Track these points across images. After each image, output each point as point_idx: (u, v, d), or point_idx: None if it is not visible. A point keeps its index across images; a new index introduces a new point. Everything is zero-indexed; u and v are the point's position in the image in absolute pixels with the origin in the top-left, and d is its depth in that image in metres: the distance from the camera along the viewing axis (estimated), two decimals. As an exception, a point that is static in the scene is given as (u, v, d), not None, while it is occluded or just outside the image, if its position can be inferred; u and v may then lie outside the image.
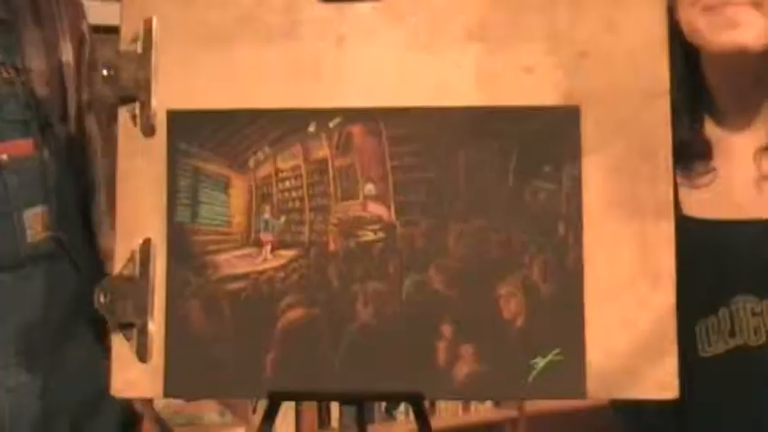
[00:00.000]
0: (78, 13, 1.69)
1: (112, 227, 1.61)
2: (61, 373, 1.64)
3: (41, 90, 1.60)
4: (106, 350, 1.37)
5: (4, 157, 1.56)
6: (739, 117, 1.62)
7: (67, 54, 1.64)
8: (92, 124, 1.74)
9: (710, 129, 1.63)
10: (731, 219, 1.61)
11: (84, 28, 1.71)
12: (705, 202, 1.62)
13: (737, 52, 1.51)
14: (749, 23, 1.49)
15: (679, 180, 1.59)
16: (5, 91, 1.55)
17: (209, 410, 2.67)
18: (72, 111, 1.66)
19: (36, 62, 1.59)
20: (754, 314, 1.58)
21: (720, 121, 1.63)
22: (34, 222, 1.60)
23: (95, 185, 1.75)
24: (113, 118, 1.45)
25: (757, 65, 1.55)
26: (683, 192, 1.60)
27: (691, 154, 1.61)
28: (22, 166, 1.58)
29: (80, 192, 1.74)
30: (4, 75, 1.54)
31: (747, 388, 1.60)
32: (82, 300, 1.64)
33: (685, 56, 1.57)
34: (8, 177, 1.57)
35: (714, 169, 1.62)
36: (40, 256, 1.63)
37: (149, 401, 1.93)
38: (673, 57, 1.37)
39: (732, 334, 1.60)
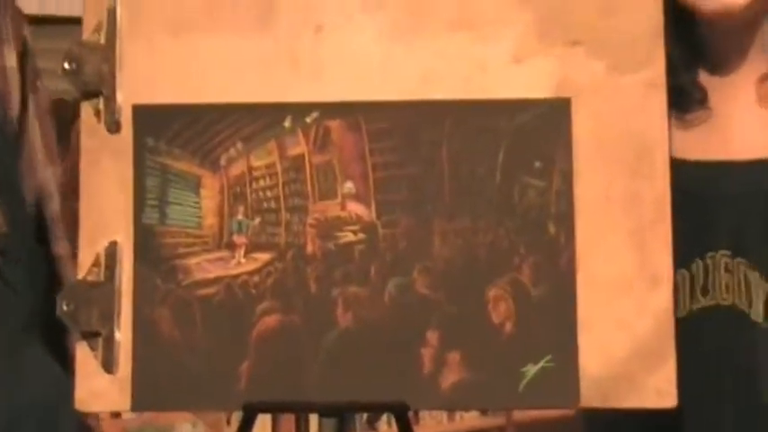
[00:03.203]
0: (20, 22, 1.71)
1: (64, 235, 1.61)
2: (17, 381, 1.64)
3: None
4: (66, 360, 1.37)
5: None
6: (735, 62, 1.66)
7: (11, 60, 1.67)
8: (35, 131, 1.76)
9: (706, 78, 1.68)
10: (719, 160, 1.64)
11: (27, 35, 1.74)
12: (698, 143, 1.66)
13: (726, 13, 1.58)
14: None
15: (673, 123, 1.62)
16: None
17: (181, 421, 2.69)
18: (14, 115, 1.68)
19: None
20: (727, 271, 1.61)
21: (717, 68, 1.68)
22: None
23: (44, 192, 1.77)
24: (75, 116, 1.45)
25: (746, 14, 1.60)
26: (675, 135, 1.61)
27: (687, 99, 1.66)
28: None
29: (30, 197, 1.76)
30: None
31: (719, 355, 1.62)
32: (33, 312, 1.65)
33: (680, 13, 1.61)
34: None
35: (710, 109, 1.66)
36: None
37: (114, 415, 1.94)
38: (667, 15, 1.42)
39: (705, 291, 1.63)
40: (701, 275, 1.62)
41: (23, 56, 1.73)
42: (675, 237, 1.37)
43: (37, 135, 1.79)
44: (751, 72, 1.65)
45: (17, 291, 1.68)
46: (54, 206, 1.77)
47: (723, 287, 1.61)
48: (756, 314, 1.59)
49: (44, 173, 1.78)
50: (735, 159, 1.63)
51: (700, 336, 1.60)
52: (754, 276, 1.59)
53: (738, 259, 1.60)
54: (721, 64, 1.67)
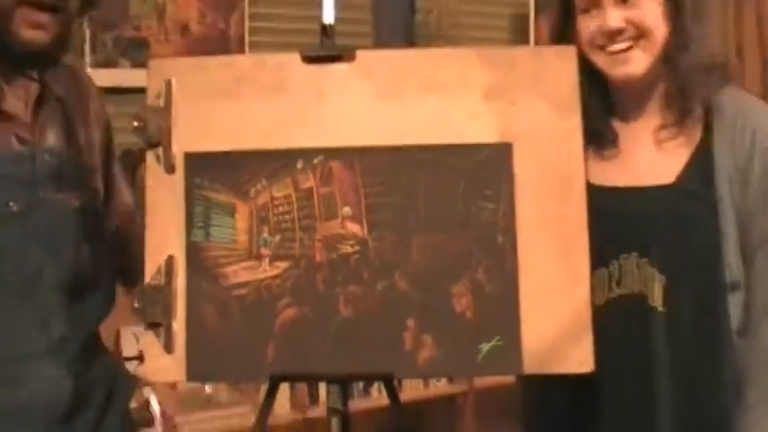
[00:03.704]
0: (102, 103, 1.68)
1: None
2: (89, 370, 1.60)
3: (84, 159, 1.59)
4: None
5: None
6: (637, 111, 1.68)
7: (97, 136, 1.64)
8: (120, 180, 1.72)
9: (618, 125, 1.69)
10: (628, 186, 1.66)
11: (107, 113, 1.72)
12: (609, 173, 1.67)
13: (628, 80, 1.62)
14: (634, 59, 1.59)
15: (591, 157, 1.65)
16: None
17: (221, 391, 2.68)
18: (98, 180, 1.65)
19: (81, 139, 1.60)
20: (637, 267, 1.63)
21: (624, 118, 1.69)
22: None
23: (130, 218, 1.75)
24: (139, 162, 1.44)
25: (644, 80, 1.63)
26: (592, 166, 1.64)
27: (603, 140, 1.68)
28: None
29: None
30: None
31: (627, 330, 1.64)
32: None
33: (596, 76, 1.64)
34: None
35: (619, 148, 1.68)
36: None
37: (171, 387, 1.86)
38: (587, 78, 1.52)
39: (618, 283, 1.65)
40: (617, 272, 1.64)
41: (107, 129, 1.71)
42: (597, 243, 1.40)
43: (122, 182, 1.76)
44: (650, 122, 1.66)
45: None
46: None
47: (633, 280, 1.63)
48: (653, 299, 1.61)
49: (130, 204, 1.75)
50: (639, 185, 1.65)
51: (615, 316, 1.62)
52: (654, 271, 1.61)
53: (644, 259, 1.62)
54: (628, 115, 1.68)
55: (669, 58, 1.61)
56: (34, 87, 1.51)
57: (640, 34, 1.58)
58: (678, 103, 1.62)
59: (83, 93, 1.64)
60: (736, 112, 1.61)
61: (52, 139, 1.52)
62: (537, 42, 3.81)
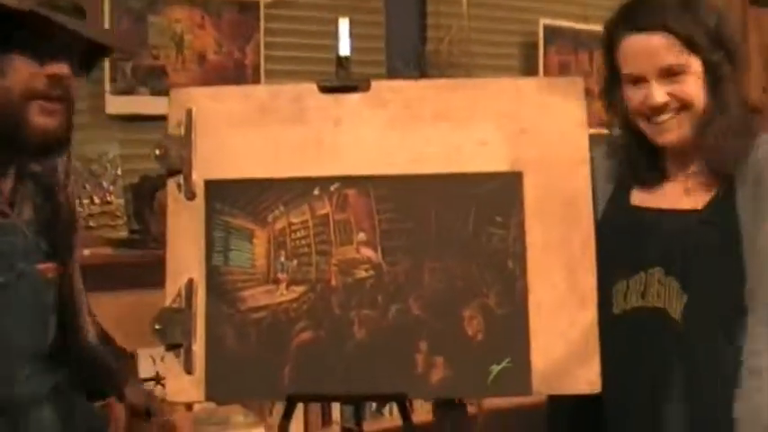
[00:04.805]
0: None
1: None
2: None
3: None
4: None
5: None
6: (676, 156, 1.75)
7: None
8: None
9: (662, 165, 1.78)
10: (661, 207, 1.74)
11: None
12: (646, 198, 1.77)
13: (670, 145, 1.70)
14: (675, 128, 1.68)
15: (638, 187, 1.78)
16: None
17: (236, 413, 2.68)
18: None
19: None
20: (659, 283, 1.68)
21: (663, 156, 1.77)
22: None
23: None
24: (158, 187, 1.46)
25: (686, 140, 1.69)
26: (635, 192, 1.77)
27: (648, 184, 1.77)
28: None
29: None
30: None
31: (647, 339, 1.69)
32: None
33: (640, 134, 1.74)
34: None
35: (660, 183, 1.77)
36: None
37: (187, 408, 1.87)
38: (631, 134, 1.71)
39: (643, 295, 1.70)
40: (642, 284, 1.70)
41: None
42: (626, 256, 1.54)
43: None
44: (688, 164, 1.74)
45: None
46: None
47: (656, 294, 1.68)
48: (675, 313, 1.66)
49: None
50: (670, 208, 1.73)
51: (634, 326, 1.69)
52: (677, 289, 1.66)
53: (669, 277, 1.67)
54: (667, 156, 1.76)
55: (707, 120, 1.67)
56: (12, 166, 1.56)
57: (683, 106, 1.66)
58: (712, 160, 1.69)
59: (54, 169, 1.68)
60: (763, 155, 1.67)
61: (28, 212, 1.58)
62: (545, 70, 3.84)
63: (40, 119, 1.45)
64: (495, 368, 1.37)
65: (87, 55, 1.56)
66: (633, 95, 1.69)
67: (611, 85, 1.76)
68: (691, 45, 1.64)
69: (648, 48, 1.66)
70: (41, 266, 1.56)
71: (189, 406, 2.07)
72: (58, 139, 1.49)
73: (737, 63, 1.69)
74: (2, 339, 1.49)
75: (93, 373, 1.70)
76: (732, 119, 1.67)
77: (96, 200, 2.92)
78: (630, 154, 1.77)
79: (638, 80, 1.68)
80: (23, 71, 1.44)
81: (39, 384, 1.55)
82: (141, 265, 2.66)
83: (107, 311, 1.91)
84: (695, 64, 1.65)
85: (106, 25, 3.00)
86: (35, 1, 1.42)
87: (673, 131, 1.67)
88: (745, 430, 1.59)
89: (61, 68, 1.47)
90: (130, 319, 2.19)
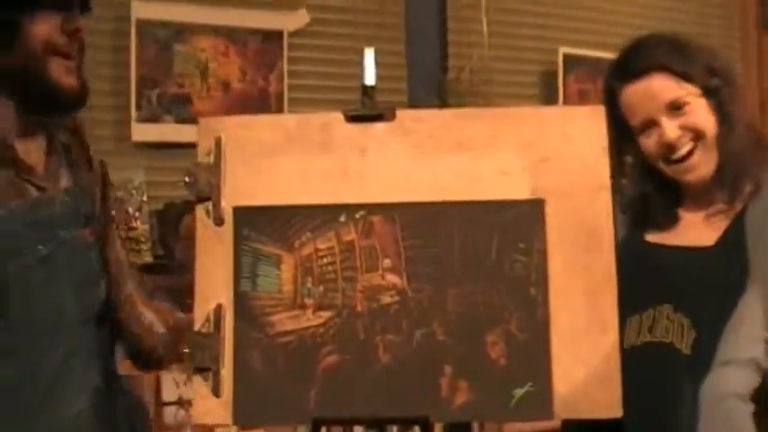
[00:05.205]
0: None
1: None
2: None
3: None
4: None
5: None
6: (694, 192, 1.77)
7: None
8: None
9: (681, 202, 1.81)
10: (673, 244, 1.76)
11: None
12: (660, 234, 1.79)
13: (700, 182, 1.73)
14: (699, 164, 1.71)
15: (654, 230, 1.79)
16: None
17: None
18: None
19: None
20: (668, 319, 1.70)
21: (679, 195, 1.79)
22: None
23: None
24: (183, 213, 1.48)
25: (701, 183, 1.74)
26: (654, 233, 1.79)
27: (664, 226, 1.79)
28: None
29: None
30: None
31: (655, 372, 1.70)
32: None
33: (662, 177, 1.77)
34: None
35: (677, 221, 1.79)
36: None
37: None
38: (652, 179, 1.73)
39: (651, 330, 1.71)
40: (650, 319, 1.71)
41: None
42: (636, 291, 1.51)
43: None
44: (704, 199, 1.76)
45: None
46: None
47: (664, 329, 1.70)
48: (683, 346, 1.67)
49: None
50: (682, 245, 1.75)
51: (642, 361, 1.68)
52: (684, 325, 1.67)
53: (677, 313, 1.69)
54: (685, 194, 1.79)
55: (720, 143, 1.70)
56: (43, 138, 1.61)
57: (697, 136, 1.70)
58: (730, 184, 1.71)
59: (83, 142, 1.72)
60: None
61: (65, 181, 1.63)
62: (565, 98, 3.86)
63: (65, 79, 1.48)
64: (518, 392, 1.37)
65: None
66: (648, 141, 1.73)
67: (623, 144, 1.77)
68: (687, 78, 1.69)
69: (649, 90, 1.70)
70: (82, 231, 1.60)
71: (211, 429, 2.08)
72: (82, 95, 1.55)
73: (735, 87, 1.74)
74: (53, 308, 1.52)
75: (138, 348, 1.75)
76: (744, 136, 1.71)
77: (122, 226, 2.95)
78: (647, 203, 1.79)
79: (648, 125, 1.71)
80: (46, 25, 1.47)
81: (88, 352, 1.59)
82: (166, 289, 2.68)
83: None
84: (696, 93, 1.69)
85: (132, 54, 3.05)
86: None
87: (698, 168, 1.70)
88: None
89: (78, 20, 1.49)
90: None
